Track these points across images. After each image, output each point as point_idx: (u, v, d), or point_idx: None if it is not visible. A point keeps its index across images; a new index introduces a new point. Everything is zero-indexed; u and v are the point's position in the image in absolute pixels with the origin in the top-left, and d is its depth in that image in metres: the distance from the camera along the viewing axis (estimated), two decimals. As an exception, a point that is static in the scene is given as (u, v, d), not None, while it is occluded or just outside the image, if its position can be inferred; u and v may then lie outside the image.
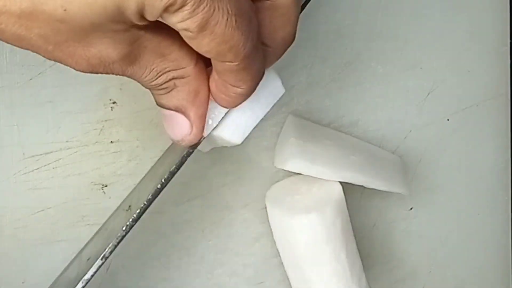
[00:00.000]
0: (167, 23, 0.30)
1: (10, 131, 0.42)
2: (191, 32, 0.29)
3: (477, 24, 0.51)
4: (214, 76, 0.34)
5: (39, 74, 0.42)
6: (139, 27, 0.31)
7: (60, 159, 0.43)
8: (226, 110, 0.36)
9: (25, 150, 0.42)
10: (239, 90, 0.34)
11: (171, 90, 0.34)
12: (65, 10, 0.28)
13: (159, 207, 0.44)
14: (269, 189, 0.46)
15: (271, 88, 0.38)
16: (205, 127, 0.36)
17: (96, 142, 0.43)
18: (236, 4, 0.30)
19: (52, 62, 0.41)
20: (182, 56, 0.33)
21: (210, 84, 0.35)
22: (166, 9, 0.28)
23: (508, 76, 0.53)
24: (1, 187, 0.42)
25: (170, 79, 0.34)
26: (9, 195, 0.42)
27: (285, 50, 0.36)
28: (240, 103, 0.35)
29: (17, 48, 0.41)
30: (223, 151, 0.45)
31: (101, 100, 0.43)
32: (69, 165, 0.43)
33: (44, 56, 0.31)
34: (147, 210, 0.43)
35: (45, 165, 0.42)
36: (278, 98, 0.39)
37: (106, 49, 0.30)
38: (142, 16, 0.29)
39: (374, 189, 0.45)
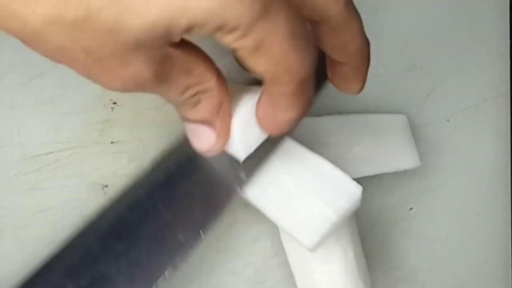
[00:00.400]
0: (219, 41, 0.29)
1: (10, 131, 0.42)
2: (245, 52, 0.29)
3: (477, 24, 0.51)
4: (263, 100, 0.34)
5: (39, 74, 0.42)
6: (171, 45, 0.30)
7: (60, 159, 0.43)
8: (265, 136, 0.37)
9: (25, 150, 0.42)
10: (287, 117, 0.33)
11: (196, 105, 0.34)
12: (116, 20, 0.28)
13: (159, 207, 0.45)
14: None
15: None
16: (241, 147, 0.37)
17: (97, 142, 0.43)
18: (293, 26, 0.29)
19: (53, 62, 0.42)
20: (205, 70, 0.33)
21: (258, 108, 0.35)
22: (218, 29, 0.28)
23: (508, 76, 0.53)
24: (1, 187, 0.42)
25: (195, 94, 0.34)
26: (9, 195, 0.42)
27: (364, 60, 0.36)
28: (285, 131, 0.35)
29: (17, 48, 0.41)
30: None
31: (101, 100, 0.43)
32: (70, 166, 0.43)
33: (78, 72, 0.31)
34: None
35: (45, 166, 0.42)
36: None
37: (141, 68, 0.30)
38: (186, 34, 0.29)
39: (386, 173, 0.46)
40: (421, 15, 0.50)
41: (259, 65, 0.30)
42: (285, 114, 0.33)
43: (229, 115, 0.36)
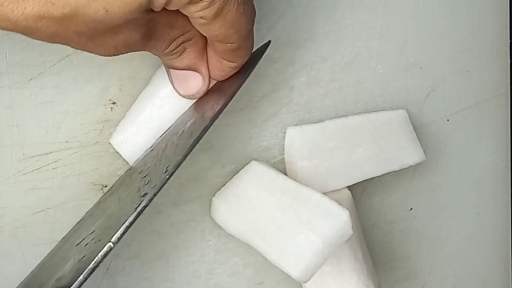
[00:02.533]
0: (183, 12, 0.34)
1: (10, 131, 0.42)
2: (206, 19, 0.34)
3: (477, 24, 0.51)
4: (209, 53, 0.39)
5: (39, 74, 0.42)
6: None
7: (60, 159, 0.43)
8: None
9: (25, 150, 0.42)
10: (233, 64, 0.38)
11: (182, 53, 0.38)
12: (106, 11, 0.31)
13: (158, 208, 0.44)
14: None
15: None
16: None
17: (96, 142, 0.43)
18: None
19: (52, 62, 0.42)
20: (186, 21, 0.36)
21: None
22: (190, 2, 0.32)
23: (508, 76, 0.53)
24: (1, 187, 0.42)
25: (180, 43, 0.37)
26: (9, 195, 0.42)
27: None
28: (230, 74, 0.40)
29: (17, 48, 0.41)
30: (223, 152, 0.45)
31: (100, 100, 0.43)
32: (69, 165, 0.43)
33: (73, 47, 0.34)
34: (147, 210, 0.43)
35: (45, 165, 0.42)
36: None
37: (130, 33, 0.34)
38: (164, 6, 0.33)
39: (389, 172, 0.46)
40: (421, 15, 0.50)
41: (214, 30, 0.35)
42: (230, 64, 0.38)
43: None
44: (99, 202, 0.42)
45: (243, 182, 0.43)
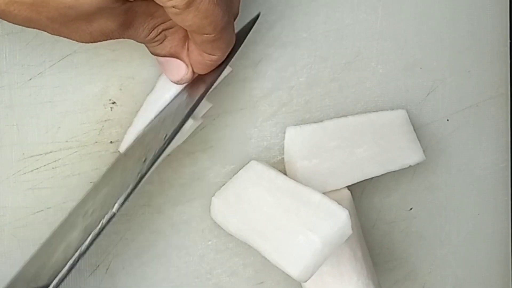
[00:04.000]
0: (156, 2, 0.33)
1: (10, 131, 0.42)
2: (178, 9, 0.33)
3: (477, 24, 0.51)
4: (190, 47, 0.39)
5: (38, 74, 0.42)
6: None
7: (59, 159, 0.43)
8: None
9: (24, 150, 0.42)
10: (214, 57, 0.38)
11: (163, 41, 0.38)
12: None
13: (158, 208, 0.44)
14: None
15: None
16: None
17: (96, 142, 0.43)
18: None
19: (52, 62, 0.42)
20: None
21: (189, 55, 0.39)
22: None
23: (508, 76, 0.53)
24: (1, 187, 0.42)
25: (161, 32, 0.38)
26: (9, 195, 0.42)
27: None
28: (212, 68, 0.40)
29: (17, 48, 0.41)
30: (223, 152, 0.45)
31: (100, 100, 0.43)
32: (69, 165, 0.43)
33: (49, 33, 0.34)
34: (147, 210, 0.44)
35: (44, 165, 0.42)
36: None
37: (106, 22, 0.34)
38: None
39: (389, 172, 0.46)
40: (421, 15, 0.50)
41: (187, 20, 0.34)
42: (210, 57, 0.38)
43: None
44: (103, 175, 0.43)
45: (243, 182, 0.43)
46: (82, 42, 0.35)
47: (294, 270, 0.38)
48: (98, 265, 0.44)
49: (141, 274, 0.45)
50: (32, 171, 0.42)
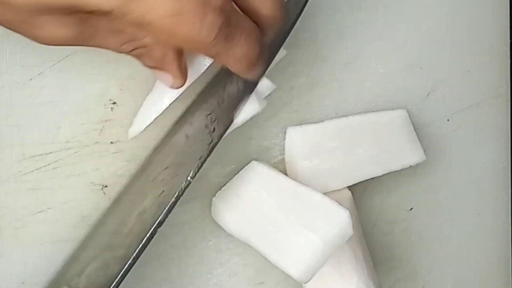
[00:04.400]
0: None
1: (10, 131, 0.42)
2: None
3: (477, 24, 0.51)
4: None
5: (39, 74, 0.42)
6: (88, 12, 0.31)
7: (60, 159, 0.43)
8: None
9: (25, 150, 0.42)
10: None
11: (140, 57, 0.36)
12: None
13: (159, 207, 0.44)
14: None
15: None
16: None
17: (96, 142, 0.43)
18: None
19: (52, 62, 0.42)
20: (136, 31, 0.33)
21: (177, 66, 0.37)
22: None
23: (508, 76, 0.53)
24: (1, 187, 0.42)
25: (134, 49, 0.35)
26: (9, 195, 0.42)
27: (273, 26, 0.35)
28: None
29: (17, 48, 0.41)
30: (223, 152, 0.45)
31: (101, 100, 0.43)
32: (69, 166, 0.43)
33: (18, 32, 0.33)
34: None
35: (45, 166, 0.42)
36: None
37: (55, 30, 0.31)
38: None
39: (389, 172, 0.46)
40: (421, 15, 0.50)
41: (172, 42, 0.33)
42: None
43: (177, 61, 0.37)
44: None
45: (243, 182, 0.43)
46: (44, 44, 0.33)
47: (295, 270, 0.38)
48: (99, 266, 0.44)
49: (141, 274, 0.44)
50: (32, 171, 0.42)
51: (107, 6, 0.29)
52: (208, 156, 0.37)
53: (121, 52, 0.35)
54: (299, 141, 0.45)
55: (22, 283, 0.43)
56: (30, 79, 0.42)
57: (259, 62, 0.34)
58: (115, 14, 0.30)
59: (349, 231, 0.39)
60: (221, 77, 0.41)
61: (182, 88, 0.39)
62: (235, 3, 0.34)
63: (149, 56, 0.35)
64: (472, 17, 0.51)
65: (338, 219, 0.39)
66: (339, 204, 0.39)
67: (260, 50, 0.34)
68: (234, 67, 0.34)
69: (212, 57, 0.34)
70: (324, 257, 0.38)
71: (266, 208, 0.41)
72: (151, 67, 0.37)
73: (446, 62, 0.51)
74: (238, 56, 0.33)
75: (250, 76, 0.35)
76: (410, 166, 0.46)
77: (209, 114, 0.39)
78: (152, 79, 0.43)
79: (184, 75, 0.38)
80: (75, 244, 0.43)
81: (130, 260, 0.37)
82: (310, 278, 0.38)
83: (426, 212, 0.51)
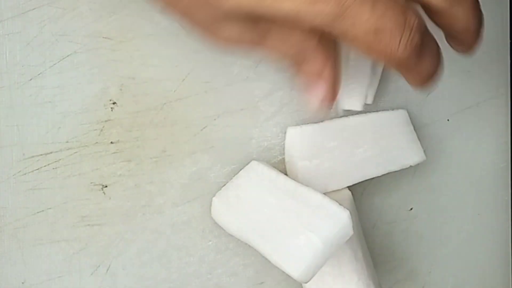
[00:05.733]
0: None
1: (10, 131, 0.42)
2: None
3: (477, 24, 0.51)
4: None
5: (39, 74, 0.42)
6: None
7: (60, 159, 0.42)
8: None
9: (25, 151, 0.42)
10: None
11: (301, 63, 0.36)
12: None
13: (159, 208, 0.44)
14: None
15: None
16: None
17: (96, 142, 0.43)
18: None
19: (52, 62, 0.42)
20: (304, 37, 0.35)
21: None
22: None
23: (508, 76, 0.53)
24: (1, 187, 0.42)
25: (298, 56, 0.36)
26: (9, 195, 0.42)
27: (473, 38, 0.37)
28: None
29: (17, 48, 0.41)
30: (223, 152, 0.45)
31: (101, 100, 0.43)
32: (69, 166, 0.43)
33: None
34: (147, 211, 0.43)
35: (45, 166, 0.42)
36: None
37: (234, 32, 0.34)
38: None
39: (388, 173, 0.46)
40: (421, 15, 0.50)
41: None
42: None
43: (336, 73, 0.37)
44: None
45: (243, 182, 0.43)
46: (219, 41, 0.36)
47: (295, 271, 0.38)
48: (99, 266, 0.44)
49: (141, 275, 0.44)
50: (32, 171, 0.42)
51: (319, 22, 0.31)
52: None
53: (285, 56, 0.36)
54: (299, 141, 0.45)
55: (22, 283, 0.43)
56: (30, 79, 0.42)
57: (436, 78, 0.36)
58: (322, 28, 0.32)
59: (349, 231, 0.39)
60: None
61: None
62: (430, 17, 0.36)
63: (312, 64, 0.36)
64: (472, 17, 0.51)
65: (338, 219, 0.38)
66: (339, 204, 0.39)
67: (440, 69, 0.36)
68: (413, 81, 0.36)
69: (398, 70, 0.35)
70: (324, 257, 0.38)
71: (266, 208, 0.41)
72: (307, 74, 0.37)
73: (446, 62, 0.51)
74: (422, 72, 0.35)
75: (422, 89, 0.37)
76: (410, 166, 0.46)
77: None
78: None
79: (337, 90, 0.38)
80: (75, 244, 0.43)
81: None
82: (310, 278, 0.38)
83: (426, 212, 0.51)
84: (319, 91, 0.37)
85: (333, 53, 0.37)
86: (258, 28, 0.34)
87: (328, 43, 0.36)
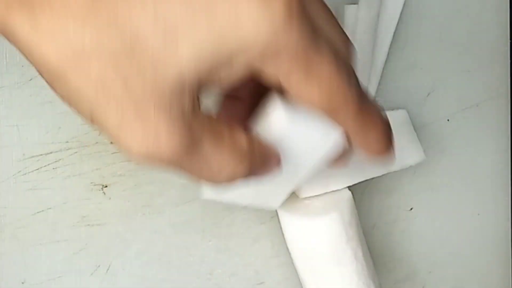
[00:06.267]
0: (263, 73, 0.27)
1: (10, 131, 0.42)
2: (297, 77, 0.27)
3: (477, 24, 0.51)
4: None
5: (39, 74, 0.42)
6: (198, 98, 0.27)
7: (60, 159, 0.42)
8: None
9: (25, 150, 0.42)
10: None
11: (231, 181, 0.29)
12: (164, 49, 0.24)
13: (159, 208, 0.44)
14: None
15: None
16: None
17: (96, 142, 0.43)
18: (334, 49, 0.28)
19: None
20: (236, 131, 0.29)
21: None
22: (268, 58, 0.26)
23: (508, 76, 0.53)
24: (1, 187, 0.42)
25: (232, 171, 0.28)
26: (9, 195, 0.42)
27: (385, 149, 0.35)
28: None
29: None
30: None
31: (101, 100, 0.43)
32: (69, 166, 0.43)
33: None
34: (147, 211, 0.43)
35: (45, 166, 0.42)
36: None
37: (165, 135, 0.25)
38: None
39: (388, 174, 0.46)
40: (421, 14, 0.50)
41: (311, 95, 0.28)
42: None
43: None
44: None
45: None
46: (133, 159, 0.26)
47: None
48: (99, 266, 0.44)
49: (141, 275, 0.44)
50: (32, 171, 0.42)
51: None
52: None
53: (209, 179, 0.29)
54: None
55: (22, 283, 0.43)
56: (30, 79, 0.42)
57: (390, 150, 0.34)
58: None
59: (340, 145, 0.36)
60: None
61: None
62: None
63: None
64: (472, 17, 0.51)
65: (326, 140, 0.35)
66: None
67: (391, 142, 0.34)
68: (368, 147, 0.33)
69: (350, 132, 0.32)
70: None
71: None
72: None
73: (446, 62, 0.51)
74: (375, 135, 0.32)
75: (382, 160, 0.34)
76: (410, 166, 0.46)
77: None
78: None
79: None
80: (75, 244, 0.43)
81: None
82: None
83: (426, 212, 0.51)
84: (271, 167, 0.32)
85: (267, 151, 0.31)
86: (191, 121, 0.26)
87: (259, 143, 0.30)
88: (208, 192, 0.38)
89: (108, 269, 0.44)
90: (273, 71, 0.27)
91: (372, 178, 0.45)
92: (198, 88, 0.26)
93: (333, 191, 0.44)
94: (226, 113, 0.34)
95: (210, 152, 0.27)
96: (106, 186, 0.43)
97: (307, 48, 0.26)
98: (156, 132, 0.25)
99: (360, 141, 0.33)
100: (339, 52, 0.29)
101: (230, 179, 0.28)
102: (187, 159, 0.26)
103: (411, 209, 0.50)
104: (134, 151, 0.25)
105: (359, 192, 0.48)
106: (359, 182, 0.45)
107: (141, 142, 0.25)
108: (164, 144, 0.25)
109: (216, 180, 0.28)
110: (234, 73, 0.26)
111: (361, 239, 0.44)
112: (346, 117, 0.30)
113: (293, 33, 0.25)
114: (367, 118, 0.31)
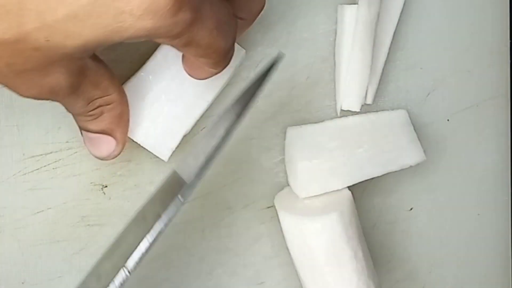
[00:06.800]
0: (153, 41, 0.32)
1: (10, 131, 0.42)
2: (177, 47, 0.33)
3: (477, 24, 0.51)
4: (190, 61, 0.39)
5: None
6: (90, 56, 0.34)
7: (60, 159, 0.43)
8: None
9: (25, 150, 0.42)
10: (214, 71, 0.38)
11: (98, 117, 0.37)
12: (47, 40, 0.29)
13: (159, 208, 0.44)
14: (275, 197, 0.46)
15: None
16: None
17: (96, 142, 0.43)
18: (217, 18, 0.33)
19: (52, 62, 0.42)
20: (110, 84, 0.37)
21: (185, 66, 0.40)
22: (151, 37, 0.31)
23: (508, 76, 0.53)
24: (1, 187, 0.42)
25: (98, 106, 0.37)
26: (9, 195, 0.42)
27: (257, 17, 0.40)
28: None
29: (17, 49, 0.41)
30: (223, 153, 0.45)
31: (101, 100, 0.43)
32: (69, 166, 0.43)
33: None
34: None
35: (45, 166, 0.42)
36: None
37: (58, 78, 0.32)
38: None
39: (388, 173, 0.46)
40: (422, 15, 0.50)
41: (191, 52, 0.34)
42: (211, 70, 0.37)
43: (127, 124, 0.39)
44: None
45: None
46: (26, 96, 0.33)
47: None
48: (99, 266, 0.44)
49: (141, 275, 0.44)
50: (32, 171, 0.42)
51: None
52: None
53: (82, 111, 0.37)
54: (299, 141, 0.45)
55: (22, 283, 0.43)
56: (30, 79, 0.42)
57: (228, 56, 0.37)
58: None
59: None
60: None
61: (211, 98, 0.42)
62: None
63: (108, 116, 0.38)
64: (472, 17, 0.51)
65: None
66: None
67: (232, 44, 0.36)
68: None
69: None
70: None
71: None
72: (99, 131, 0.38)
73: (446, 62, 0.51)
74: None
75: (216, 70, 0.38)
76: (410, 166, 0.46)
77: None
78: (151, 83, 0.43)
79: (125, 143, 0.40)
80: (75, 244, 0.43)
81: None
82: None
83: (426, 212, 0.51)
84: (109, 146, 0.39)
85: (127, 108, 0.39)
86: (80, 71, 0.34)
87: (124, 97, 0.39)
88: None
89: (108, 269, 0.44)
90: (159, 41, 0.33)
91: (372, 178, 0.45)
92: (88, 53, 0.32)
93: (333, 191, 0.44)
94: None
95: (86, 91, 0.35)
96: (106, 186, 0.43)
97: (184, 29, 0.31)
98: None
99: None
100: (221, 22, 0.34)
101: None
102: (67, 98, 0.35)
103: (411, 209, 0.50)
104: (25, 94, 0.33)
105: (360, 193, 0.48)
106: (359, 182, 0.45)
107: (33, 88, 0.33)
108: (54, 86, 0.33)
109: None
110: (125, 39, 0.31)
111: (361, 239, 0.44)
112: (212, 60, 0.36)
113: (172, 21, 0.30)
114: (228, 57, 0.36)
